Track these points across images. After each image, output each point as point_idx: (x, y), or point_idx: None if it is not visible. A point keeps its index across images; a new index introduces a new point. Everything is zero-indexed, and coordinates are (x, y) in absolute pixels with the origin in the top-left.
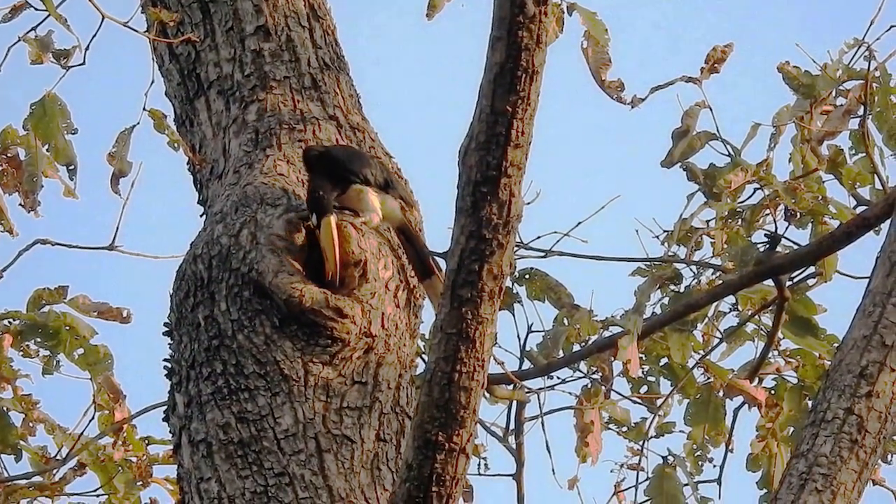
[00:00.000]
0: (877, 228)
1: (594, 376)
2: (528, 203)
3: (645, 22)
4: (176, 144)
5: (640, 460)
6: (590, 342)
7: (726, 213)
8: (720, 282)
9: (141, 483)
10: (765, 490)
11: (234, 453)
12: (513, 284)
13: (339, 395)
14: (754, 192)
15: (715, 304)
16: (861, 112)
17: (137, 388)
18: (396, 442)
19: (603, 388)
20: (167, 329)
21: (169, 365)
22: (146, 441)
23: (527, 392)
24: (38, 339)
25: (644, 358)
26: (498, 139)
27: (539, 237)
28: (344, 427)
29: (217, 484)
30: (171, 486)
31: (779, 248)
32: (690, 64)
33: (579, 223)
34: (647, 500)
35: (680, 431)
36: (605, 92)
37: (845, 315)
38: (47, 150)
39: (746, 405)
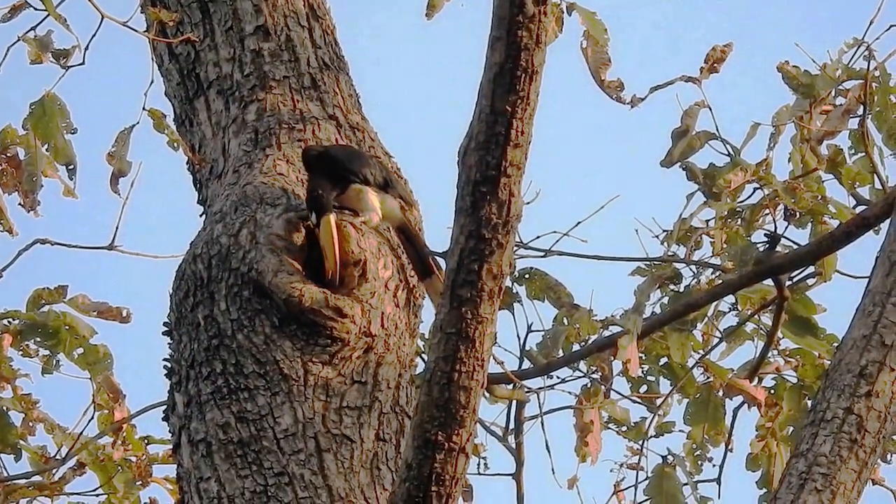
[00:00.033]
0: (876, 228)
1: (594, 376)
2: (528, 203)
3: (645, 22)
4: (175, 144)
5: (639, 460)
6: (589, 342)
7: (726, 212)
8: (720, 281)
9: (140, 483)
10: (764, 489)
11: (233, 453)
12: (512, 284)
13: (339, 394)
14: (754, 191)
15: (714, 303)
16: (860, 112)
17: (137, 387)
18: (396, 441)
19: (602, 387)
20: (167, 329)
21: (168, 364)
22: (146, 440)
23: (526, 391)
24: (38, 339)
25: (644, 357)
26: (497, 139)
27: (539, 237)
28: (343, 426)
29: (217, 483)
30: (170, 485)
31: (778, 248)
32: (690, 64)
33: (579, 223)
34: (646, 500)
35: (679, 431)
36: (605, 92)
37: (845, 315)
38: (47, 149)
39: (746, 405)
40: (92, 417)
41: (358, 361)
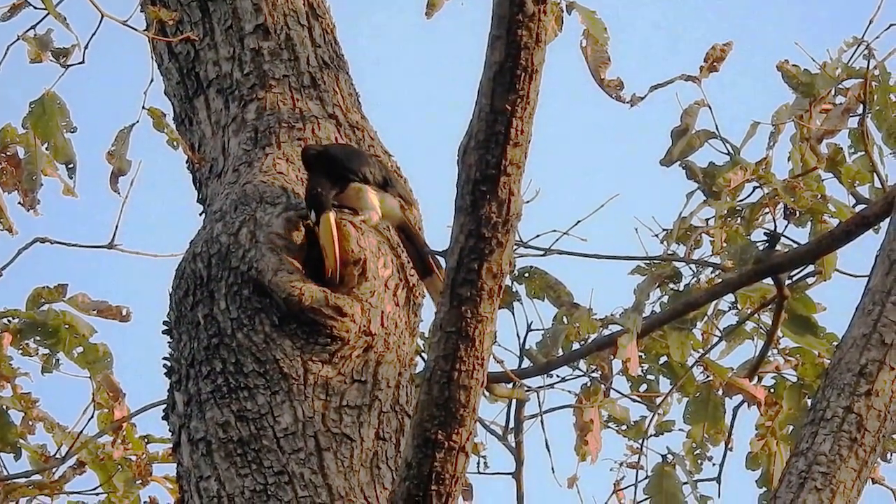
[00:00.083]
0: (876, 227)
1: (594, 375)
2: (528, 201)
3: (645, 22)
4: (175, 143)
5: (639, 459)
6: (589, 340)
7: (725, 211)
8: (719, 280)
9: (140, 481)
10: (764, 488)
11: (233, 452)
12: (512, 283)
13: (339, 393)
14: (753, 190)
15: (714, 302)
16: (860, 110)
17: (137, 386)
18: (396, 440)
19: (602, 386)
20: (166, 327)
21: (168, 363)
22: (146, 439)
23: (526, 390)
24: (38, 338)
25: (643, 356)
26: (497, 138)
27: (538, 236)
28: (343, 425)
29: (216, 482)
30: (170, 484)
31: (778, 247)
32: (690, 63)
33: (578, 222)
34: (646, 499)
35: (679, 430)
36: (605, 91)
37: (845, 313)
38: (46, 148)
39: (746, 403)
40: (92, 416)
41: (358, 360)
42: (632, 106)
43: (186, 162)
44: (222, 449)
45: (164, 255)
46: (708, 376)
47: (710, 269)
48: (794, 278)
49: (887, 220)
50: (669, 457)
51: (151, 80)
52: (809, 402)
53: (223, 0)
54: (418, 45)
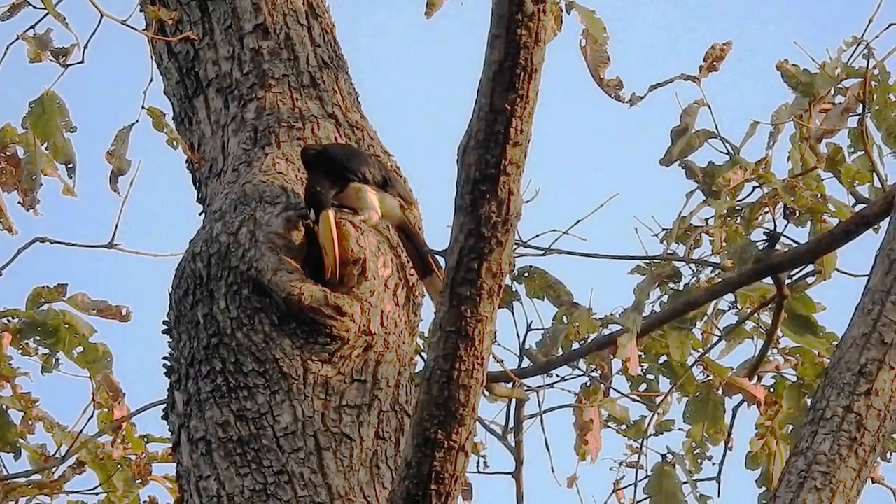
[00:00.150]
0: (876, 226)
1: (593, 374)
2: (527, 201)
3: (645, 22)
4: (175, 142)
5: (639, 458)
6: (589, 340)
7: (725, 211)
8: (719, 280)
9: (140, 481)
10: (764, 488)
11: (233, 451)
12: (512, 282)
13: (339, 393)
14: (753, 190)
15: (714, 301)
16: (860, 110)
17: (136, 386)
18: (395, 440)
19: (602, 385)
20: (166, 327)
21: (168, 363)
22: (145, 439)
23: (526, 390)
24: (38, 338)
25: (643, 356)
26: (497, 137)
27: (538, 235)
28: (343, 425)
29: (216, 482)
30: (170, 484)
31: (778, 246)
32: (690, 63)
33: (578, 221)
34: (646, 498)
35: (679, 429)
36: (604, 90)
37: (844, 313)
38: (46, 148)
39: (745, 403)
40: (91, 416)
41: (357, 360)
42: (631, 105)
43: (186, 161)
44: (222, 448)
45: (164, 254)
46: (708, 376)
47: (710, 268)
48: (794, 278)
49: (887, 219)
50: (669, 456)
51: (151, 80)
52: (809, 401)
53: None
54: (418, 45)
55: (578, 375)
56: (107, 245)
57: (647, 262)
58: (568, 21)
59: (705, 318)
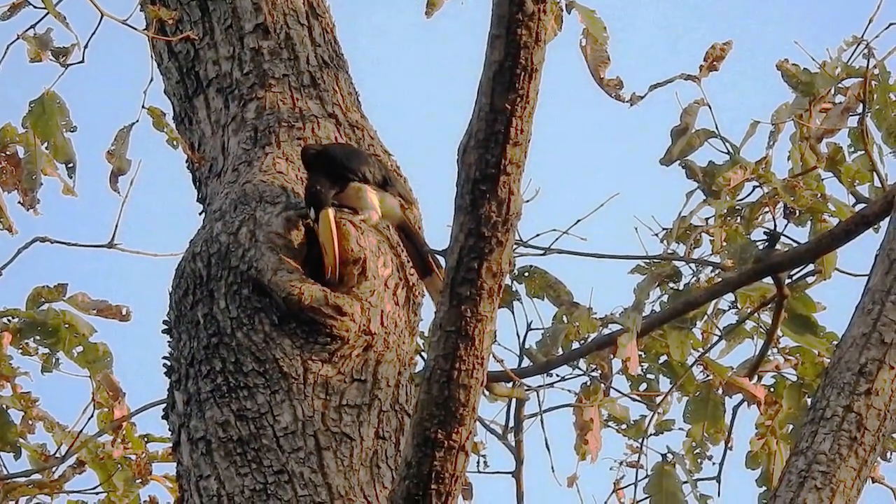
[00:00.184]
0: (876, 226)
1: (593, 374)
2: (528, 201)
3: (645, 22)
4: (175, 142)
5: (639, 458)
6: (589, 340)
7: (725, 210)
8: (719, 279)
9: (140, 481)
10: (764, 488)
11: (233, 451)
12: (512, 282)
13: (339, 392)
14: (753, 189)
15: (714, 301)
16: (860, 110)
17: (137, 385)
18: (395, 439)
19: (602, 385)
20: (166, 327)
21: (168, 363)
22: (145, 439)
23: (526, 390)
24: (38, 337)
25: (643, 355)
26: (497, 137)
27: (538, 235)
28: (343, 425)
29: (216, 482)
30: (170, 483)
31: (778, 246)
32: (690, 63)
33: (578, 221)
34: (646, 498)
35: (679, 429)
36: (604, 90)
37: (844, 313)
38: (46, 147)
39: (746, 403)
40: (91, 415)
41: (357, 359)
42: (631, 105)
43: (186, 161)
44: (222, 448)
45: (164, 254)
46: (708, 375)
47: (710, 268)
48: (794, 277)
49: (887, 219)
50: (669, 456)
51: (151, 80)
52: (809, 401)
53: None
54: (418, 45)
55: (578, 375)
56: (107, 245)
57: (647, 261)
58: (568, 21)
59: (705, 317)
